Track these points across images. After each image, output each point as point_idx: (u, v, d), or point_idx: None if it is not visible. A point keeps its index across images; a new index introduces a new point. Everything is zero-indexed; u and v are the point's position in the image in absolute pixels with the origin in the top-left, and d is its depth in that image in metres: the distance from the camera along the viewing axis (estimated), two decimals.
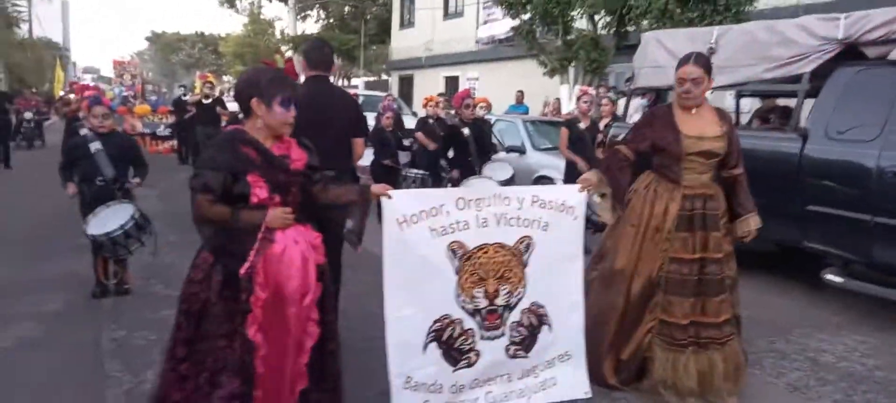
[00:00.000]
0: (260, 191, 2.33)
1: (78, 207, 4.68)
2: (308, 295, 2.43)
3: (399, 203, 2.77)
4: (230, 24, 79.37)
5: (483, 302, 2.95)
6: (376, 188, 2.68)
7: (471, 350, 2.96)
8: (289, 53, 31.34)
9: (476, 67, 20.57)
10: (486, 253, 2.94)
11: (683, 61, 3.28)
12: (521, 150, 9.07)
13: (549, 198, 3.12)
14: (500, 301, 2.99)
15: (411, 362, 2.82)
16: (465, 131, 6.30)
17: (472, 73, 20.69)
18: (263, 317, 2.33)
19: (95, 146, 4.62)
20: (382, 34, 27.92)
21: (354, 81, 25.00)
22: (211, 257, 2.38)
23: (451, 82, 21.61)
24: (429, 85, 20.45)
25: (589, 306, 3.33)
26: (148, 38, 60.02)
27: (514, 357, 3.08)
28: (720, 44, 5.79)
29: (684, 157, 3.23)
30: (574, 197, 3.19)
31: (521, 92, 14.33)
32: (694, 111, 3.29)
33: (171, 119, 14.64)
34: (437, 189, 3.96)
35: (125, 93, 24.09)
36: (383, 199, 2.72)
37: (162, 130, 15.28)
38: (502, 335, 3.03)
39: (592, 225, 4.66)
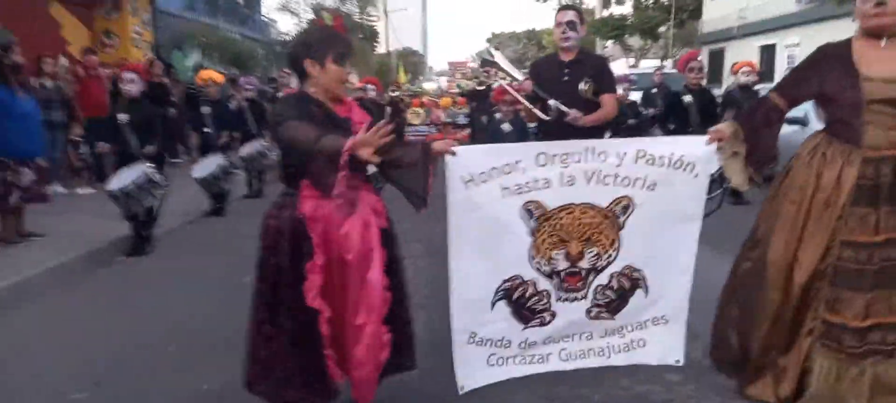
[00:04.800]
0: None
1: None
2: (373, 261, 2.36)
3: (466, 160, 2.64)
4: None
5: (563, 264, 2.79)
6: (439, 145, 2.59)
7: (545, 310, 2.83)
8: (598, 39, 31.36)
9: (796, 32, 17.80)
10: (570, 213, 2.76)
11: None
12: (803, 122, 7.67)
13: (661, 152, 2.76)
14: (584, 263, 2.80)
15: (477, 318, 2.78)
16: (687, 98, 5.68)
17: (792, 39, 17.98)
18: (324, 282, 2.34)
19: (123, 117, 5.52)
20: (697, 8, 26.02)
21: (646, 63, 23.65)
22: (276, 223, 2.40)
23: (767, 52, 19.08)
24: (741, 57, 18.44)
25: (739, 304, 2.84)
26: (487, 39, 66.18)
27: (596, 318, 2.86)
28: None
29: (866, 107, 2.49)
30: (695, 151, 2.75)
31: None
32: (884, 43, 2.51)
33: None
34: (515, 143, 3.71)
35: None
36: (447, 157, 2.60)
37: (461, 119, 16.85)
38: (584, 298, 2.83)
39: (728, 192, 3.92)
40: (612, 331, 2.91)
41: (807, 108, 7.94)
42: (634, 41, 26.02)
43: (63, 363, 3.40)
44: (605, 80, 3.87)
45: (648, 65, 21.76)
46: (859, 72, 2.50)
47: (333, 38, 2.43)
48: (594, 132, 3.62)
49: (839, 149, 2.58)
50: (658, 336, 2.92)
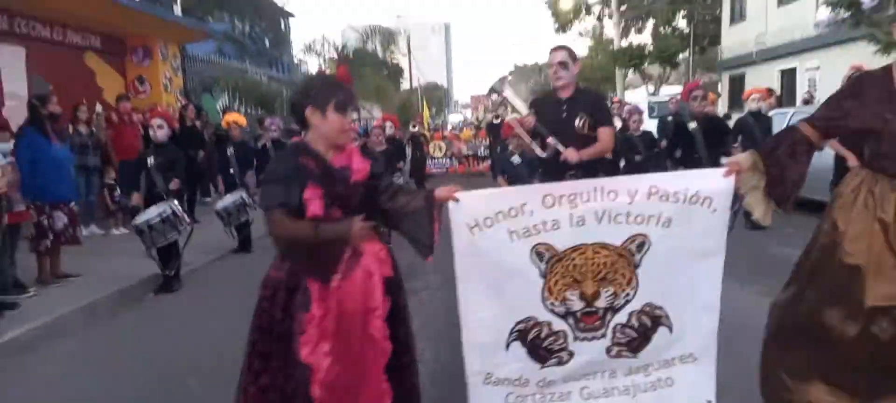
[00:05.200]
0: (314, 205, 2.21)
1: None
2: (375, 312, 2.33)
3: (469, 205, 2.58)
4: (579, 48, 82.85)
5: (578, 305, 2.78)
6: (441, 191, 2.50)
7: (563, 350, 2.81)
8: (618, 68, 31.41)
9: (815, 56, 17.70)
10: (582, 254, 2.74)
11: None
12: None
13: (675, 188, 2.69)
14: (600, 303, 2.78)
15: (492, 360, 2.76)
16: (692, 126, 5.75)
17: (812, 63, 17.87)
18: (320, 337, 2.24)
19: (151, 160, 5.88)
20: (716, 34, 26.00)
21: (666, 90, 23.53)
22: (277, 274, 2.33)
23: (787, 77, 18.99)
24: (761, 82, 18.39)
25: (790, 352, 2.71)
26: (510, 72, 66.48)
27: (617, 357, 2.84)
28: None
29: None
30: (712, 185, 2.68)
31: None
32: None
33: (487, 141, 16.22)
34: (519, 186, 3.74)
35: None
36: (450, 203, 2.54)
37: (482, 151, 17.06)
38: (603, 336, 2.81)
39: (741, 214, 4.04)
40: (636, 369, 2.86)
41: None
42: (653, 69, 26.01)
43: (91, 397, 3.54)
44: (601, 115, 3.95)
45: (668, 91, 21.74)
46: None
47: (335, 87, 2.37)
48: (593, 166, 3.69)
49: (889, 185, 2.41)
50: (687, 374, 2.85)
